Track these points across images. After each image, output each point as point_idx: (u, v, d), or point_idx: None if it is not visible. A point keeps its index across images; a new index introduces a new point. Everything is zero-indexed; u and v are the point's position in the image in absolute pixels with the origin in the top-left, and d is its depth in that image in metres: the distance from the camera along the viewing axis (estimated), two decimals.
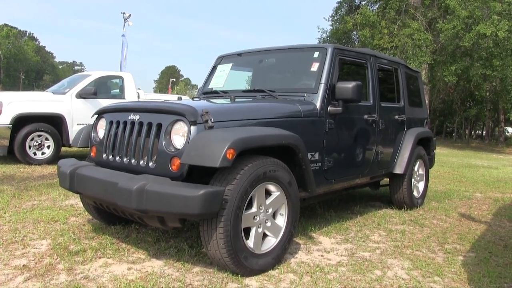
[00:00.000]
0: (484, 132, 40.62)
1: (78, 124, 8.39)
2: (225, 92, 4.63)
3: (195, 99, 4.55)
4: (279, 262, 3.36)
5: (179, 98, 5.35)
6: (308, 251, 3.79)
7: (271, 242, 3.31)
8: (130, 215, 3.29)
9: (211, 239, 2.96)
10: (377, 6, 25.54)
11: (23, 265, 3.16)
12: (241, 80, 5.40)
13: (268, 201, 3.27)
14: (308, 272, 3.28)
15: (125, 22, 17.36)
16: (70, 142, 8.34)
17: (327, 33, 28.25)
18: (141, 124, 3.31)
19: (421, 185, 5.96)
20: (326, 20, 32.95)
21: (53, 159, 8.29)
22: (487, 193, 7.51)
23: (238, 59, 5.13)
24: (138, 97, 9.75)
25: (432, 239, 4.36)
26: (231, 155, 2.82)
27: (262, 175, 3.10)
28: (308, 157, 3.66)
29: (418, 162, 5.80)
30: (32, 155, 8.16)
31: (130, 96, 9.46)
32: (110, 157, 3.51)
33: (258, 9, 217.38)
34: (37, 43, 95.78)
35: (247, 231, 3.15)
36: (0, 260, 3.24)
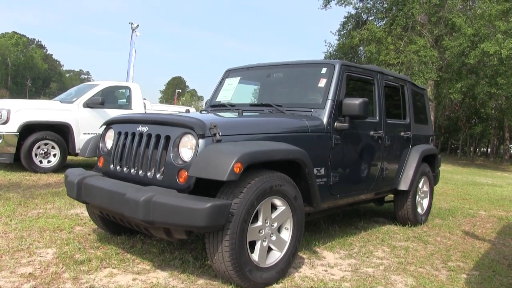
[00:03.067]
0: (489, 150, 40.46)
1: (84, 134, 8.46)
2: (232, 105, 4.68)
3: (203, 112, 4.59)
4: (283, 276, 3.37)
5: (187, 111, 5.39)
6: (312, 265, 3.80)
7: (276, 256, 3.33)
8: (136, 226, 3.31)
9: (216, 251, 2.98)
10: (384, 22, 25.66)
11: (29, 273, 3.19)
12: (248, 93, 5.45)
13: (273, 215, 3.29)
14: (311, 287, 3.28)
15: (132, 32, 17.52)
16: (76, 151, 8.42)
17: (334, 47, 28.44)
18: (149, 136, 3.34)
19: (425, 202, 5.96)
20: (333, 34, 33.10)
21: (59, 168, 8.36)
22: (492, 211, 7.49)
23: (246, 73, 5.18)
24: (145, 107, 9.81)
25: (436, 256, 4.36)
26: (238, 169, 2.85)
27: (269, 189, 3.13)
28: (314, 172, 3.68)
29: (423, 179, 5.81)
30: (38, 163, 8.21)
31: (137, 107, 9.53)
32: (118, 167, 3.55)
33: (265, 22, 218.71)
34: (44, 51, 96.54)
35: (252, 244, 3.16)
36: (6, 268, 3.27)
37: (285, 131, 3.69)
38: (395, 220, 5.71)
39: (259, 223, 3.18)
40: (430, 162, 6.03)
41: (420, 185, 5.74)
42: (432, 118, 9.14)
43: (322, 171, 4.00)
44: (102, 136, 3.89)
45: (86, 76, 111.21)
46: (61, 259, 3.51)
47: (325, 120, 4.05)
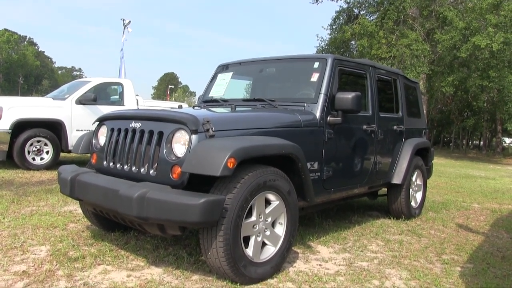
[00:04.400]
0: (481, 143, 40.69)
1: (77, 130, 8.41)
2: (225, 100, 4.67)
3: (195, 107, 4.58)
4: (277, 271, 3.38)
5: (180, 106, 5.37)
6: (307, 260, 3.80)
7: (270, 251, 3.33)
8: (130, 222, 3.30)
9: (210, 247, 2.98)
10: (375, 16, 25.64)
11: (23, 271, 3.17)
12: (241, 89, 5.44)
13: (267, 210, 3.29)
14: (306, 281, 3.29)
15: (124, 28, 17.43)
16: (69, 147, 8.38)
17: (326, 42, 28.37)
18: (142, 132, 3.33)
19: (418, 195, 5.98)
20: (325, 29, 33.12)
21: (52, 165, 8.31)
22: (485, 203, 7.54)
23: (238, 68, 5.17)
24: (137, 103, 9.78)
25: (430, 249, 4.38)
26: (232, 164, 2.85)
27: (262, 184, 3.13)
28: (307, 167, 3.68)
29: (416, 172, 5.83)
30: (31, 161, 8.17)
31: (130, 103, 9.49)
32: (111, 164, 3.53)
33: (258, 18, 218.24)
34: (36, 47, 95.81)
35: (247, 239, 3.16)
36: (0, 266, 3.26)
37: (278, 125, 3.69)
38: (388, 213, 5.73)
39: (253, 218, 3.17)
40: (423, 156, 6.05)
41: (413, 179, 5.75)
42: (424, 111, 9.18)
43: (316, 165, 4.00)
44: (95, 133, 3.86)
45: (78, 73, 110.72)
46: (55, 256, 3.50)
47: (318, 114, 4.05)
